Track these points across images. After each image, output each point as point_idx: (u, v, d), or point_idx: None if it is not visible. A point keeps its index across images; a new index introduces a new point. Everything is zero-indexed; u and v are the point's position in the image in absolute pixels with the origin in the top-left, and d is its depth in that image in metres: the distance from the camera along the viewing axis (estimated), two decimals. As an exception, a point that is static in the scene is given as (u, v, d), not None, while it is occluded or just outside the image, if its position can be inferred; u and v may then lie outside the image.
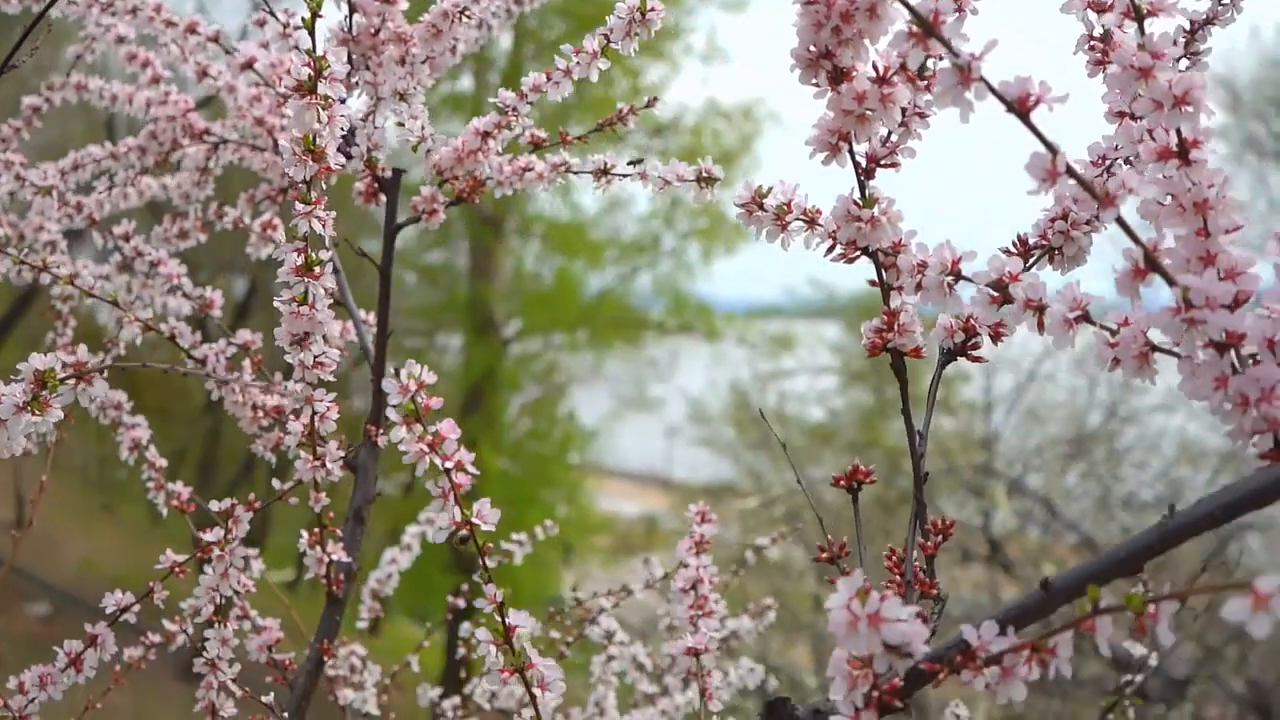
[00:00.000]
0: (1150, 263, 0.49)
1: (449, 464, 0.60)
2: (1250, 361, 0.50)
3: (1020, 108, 0.49)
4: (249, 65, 1.01)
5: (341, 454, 0.87)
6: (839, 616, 0.48)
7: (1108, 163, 0.66)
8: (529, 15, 1.24)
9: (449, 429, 0.60)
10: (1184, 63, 0.70)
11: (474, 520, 0.61)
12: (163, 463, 1.06)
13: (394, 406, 0.59)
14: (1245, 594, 0.39)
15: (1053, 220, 0.65)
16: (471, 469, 0.61)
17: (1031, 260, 0.66)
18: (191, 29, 1.05)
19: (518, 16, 1.08)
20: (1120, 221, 0.50)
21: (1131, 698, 1.04)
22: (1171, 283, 0.49)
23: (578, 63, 0.86)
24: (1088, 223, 0.64)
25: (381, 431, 0.92)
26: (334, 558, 0.93)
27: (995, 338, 0.65)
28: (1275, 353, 0.50)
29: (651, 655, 1.37)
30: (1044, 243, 0.66)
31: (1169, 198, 0.52)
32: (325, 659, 0.95)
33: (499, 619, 0.62)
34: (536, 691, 0.62)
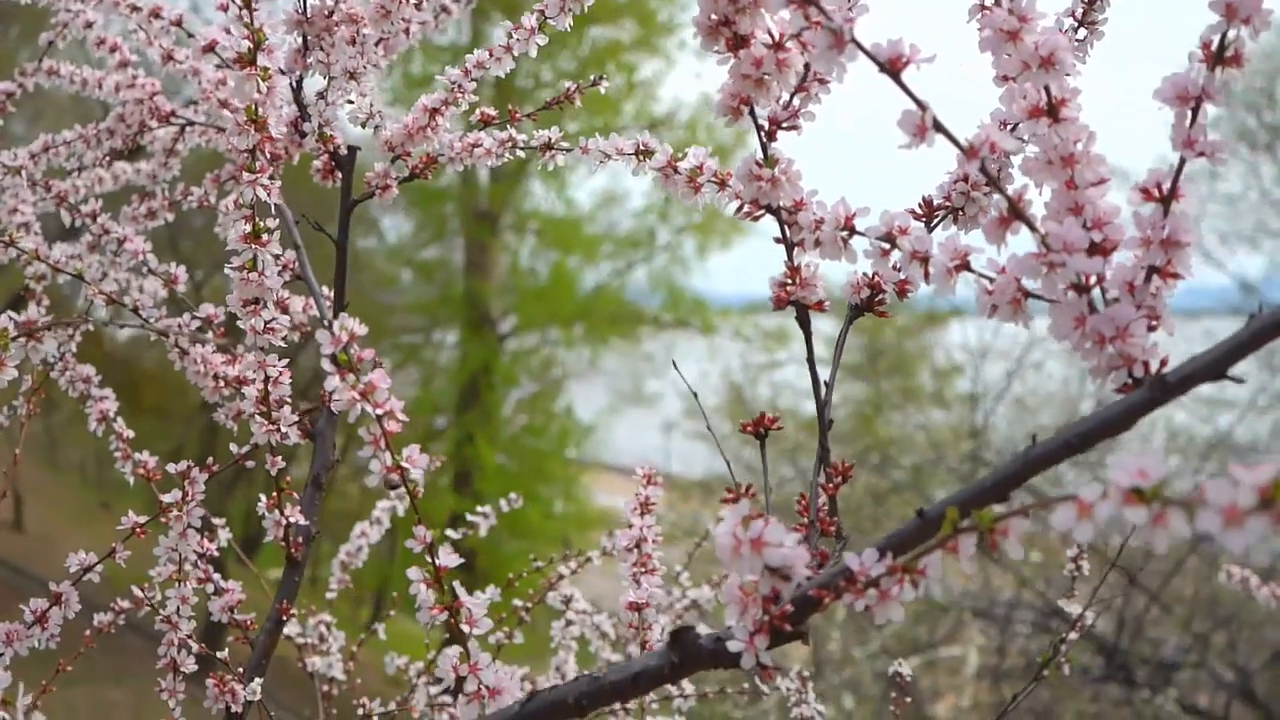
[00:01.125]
0: (1015, 211, 0.53)
1: (380, 411, 0.64)
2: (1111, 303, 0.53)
3: (892, 68, 0.52)
4: (210, 48, 1.05)
5: (295, 418, 0.91)
6: (724, 541, 0.52)
7: (1008, 127, 0.69)
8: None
9: (380, 379, 0.64)
10: (1082, 31, 0.74)
11: (404, 465, 0.65)
12: (130, 434, 1.09)
13: (326, 357, 0.63)
14: (1071, 504, 0.42)
15: (955, 182, 0.69)
16: (401, 416, 0.64)
17: (937, 220, 0.70)
18: (155, 14, 1.09)
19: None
20: (986, 174, 0.53)
21: (1067, 655, 1.08)
22: (1034, 229, 0.53)
23: (518, 39, 0.90)
24: (988, 184, 0.68)
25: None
26: (292, 521, 0.97)
27: (901, 294, 0.68)
28: (1134, 295, 0.54)
29: (615, 625, 1.41)
30: (947, 204, 0.69)
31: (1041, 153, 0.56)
32: (284, 618, 0.99)
33: (429, 559, 0.65)
34: (465, 627, 0.65)
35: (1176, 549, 6.57)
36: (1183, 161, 0.53)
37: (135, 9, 1.09)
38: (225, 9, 1.06)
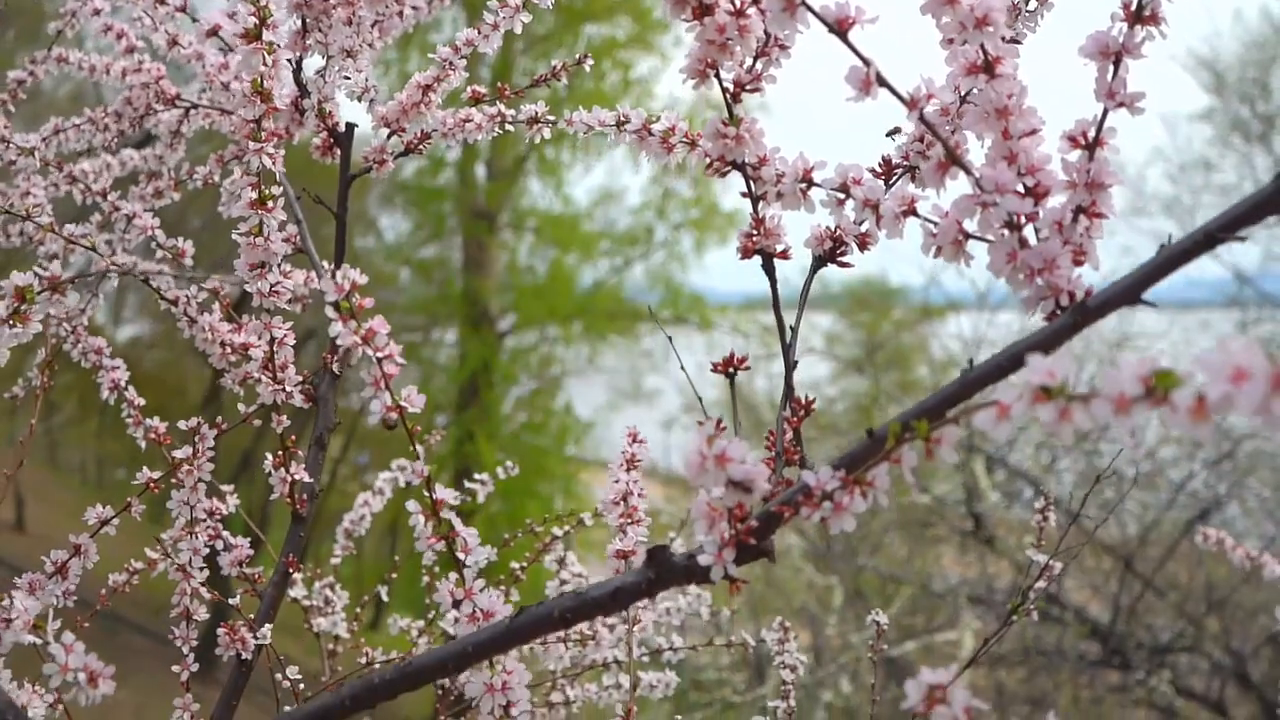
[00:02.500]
0: (951, 157, 0.58)
1: (380, 354, 0.69)
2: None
3: (840, 28, 0.58)
4: (214, 33, 1.10)
5: (299, 379, 0.96)
6: (692, 458, 0.57)
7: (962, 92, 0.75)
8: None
9: (380, 324, 0.69)
10: (1032, 3, 0.79)
11: (402, 404, 0.70)
12: (141, 401, 1.15)
13: (330, 304, 0.68)
14: (991, 408, 0.48)
15: (913, 141, 0.74)
16: (400, 360, 0.70)
17: (895, 177, 0.75)
18: (160, 0, 1.14)
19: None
20: (925, 123, 0.59)
21: (1035, 602, 1.13)
22: (969, 173, 0.58)
23: (503, 16, 0.95)
24: (929, 132, 0.73)
25: (337, 359, 1.01)
26: (297, 478, 1.02)
27: (862, 246, 0.74)
28: (1062, 233, 0.59)
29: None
30: (905, 162, 0.75)
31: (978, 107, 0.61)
32: (290, 571, 1.04)
33: (427, 493, 0.71)
34: (460, 555, 0.71)
35: (1169, 535, 6.63)
36: (1105, 111, 0.59)
37: (142, -5, 1.15)
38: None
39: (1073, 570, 7.18)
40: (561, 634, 1.20)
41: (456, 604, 0.71)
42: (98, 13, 1.23)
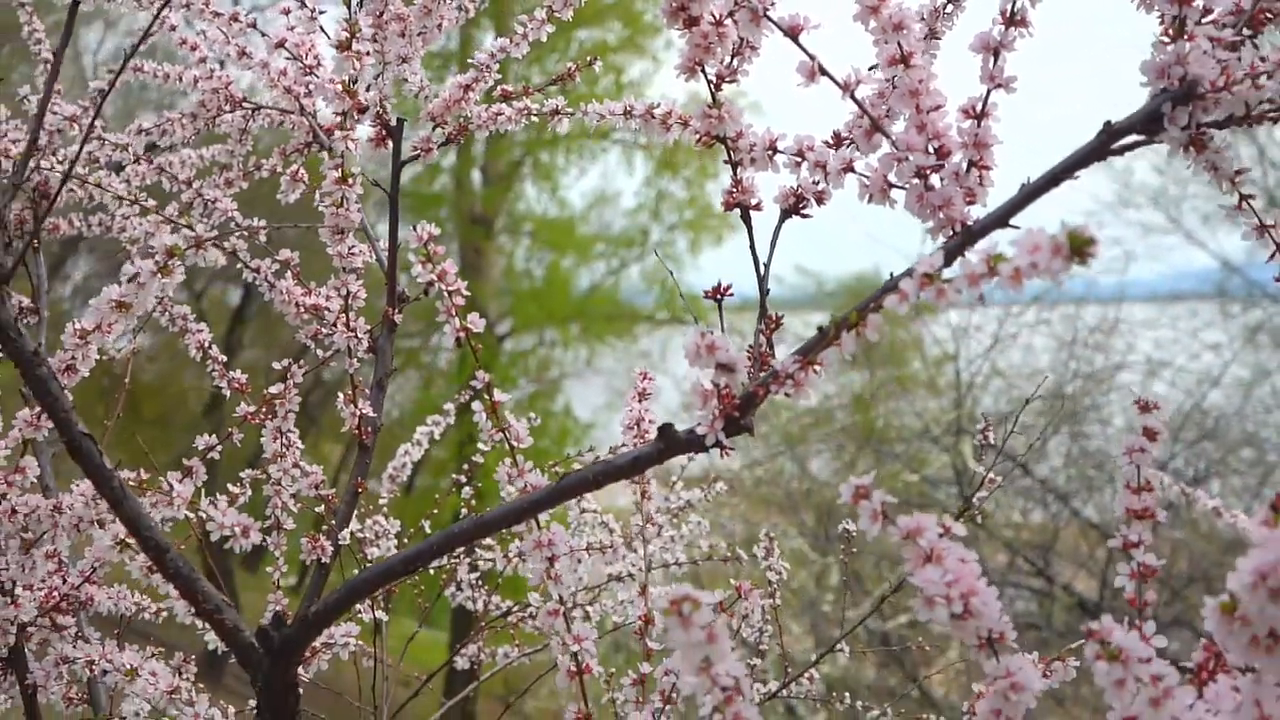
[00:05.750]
0: (875, 126, 0.80)
1: (450, 289, 0.90)
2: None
3: (792, 33, 0.79)
4: (281, 44, 1.31)
5: (367, 327, 1.18)
6: (689, 348, 0.79)
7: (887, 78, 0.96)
8: (513, 2, 1.54)
9: (450, 267, 0.91)
10: (950, 7, 1.01)
11: (469, 326, 0.92)
12: (223, 358, 1.36)
13: (413, 250, 0.89)
14: (894, 293, 0.69)
15: (853, 117, 0.96)
16: (465, 292, 0.91)
17: (842, 145, 0.96)
18: (234, 18, 1.35)
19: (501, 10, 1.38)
20: (855, 101, 0.80)
21: (979, 507, 1.34)
22: (887, 136, 0.80)
23: (531, 28, 1.17)
24: (886, 115, 0.94)
25: (398, 311, 1.22)
26: (363, 412, 1.24)
27: (819, 200, 0.95)
28: (958, 181, 0.81)
29: (623, 526, 1.68)
30: (850, 135, 0.96)
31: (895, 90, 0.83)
32: (359, 490, 1.26)
33: (488, 396, 0.92)
34: (514, 443, 0.92)
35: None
36: (988, 91, 0.80)
37: (217, 14, 1.36)
38: (287, 12, 1.34)
39: (1062, 550, 7.43)
40: (586, 545, 1.40)
41: (511, 480, 0.92)
42: (174, 29, 1.44)
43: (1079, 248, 0.58)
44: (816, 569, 6.88)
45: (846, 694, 1.88)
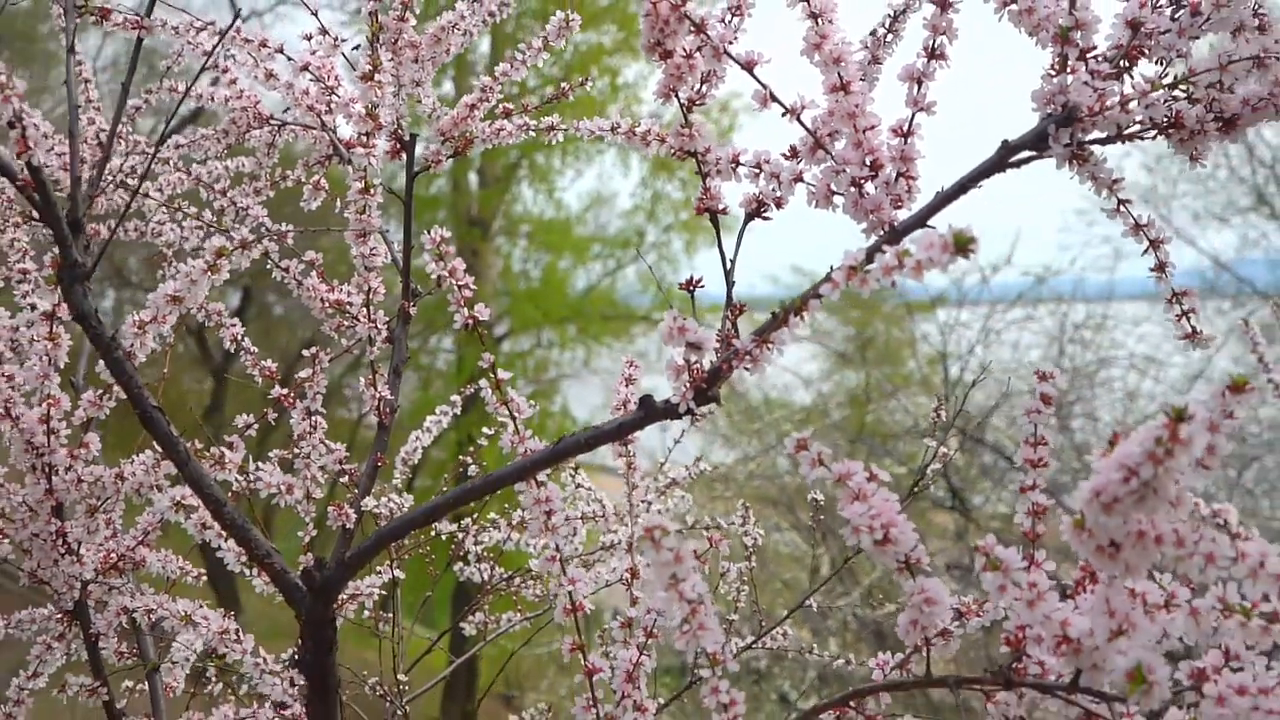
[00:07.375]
0: (817, 143, 0.96)
1: (460, 282, 1.06)
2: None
3: (748, 66, 0.95)
4: (305, 68, 1.47)
5: (386, 318, 1.33)
6: (664, 328, 0.94)
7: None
8: (506, 22, 1.71)
9: (460, 264, 1.06)
10: (890, 36, 1.17)
11: (476, 315, 1.07)
12: (255, 350, 1.51)
13: (427, 250, 1.05)
14: (829, 282, 0.85)
15: (803, 136, 1.11)
16: (471, 287, 1.07)
17: (797, 158, 1.12)
18: (263, 44, 1.51)
19: (494, 23, 1.54)
20: (800, 123, 0.96)
21: (933, 480, 1.49)
22: (828, 151, 0.96)
23: (531, 54, 1.32)
24: (830, 135, 1.10)
25: (413, 305, 1.38)
26: (383, 395, 1.39)
27: (778, 205, 1.11)
28: (888, 189, 0.96)
29: (618, 508, 1.83)
30: (803, 148, 1.12)
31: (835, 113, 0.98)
32: (379, 465, 1.41)
33: (493, 375, 1.08)
34: (515, 413, 1.08)
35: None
36: (913, 115, 0.96)
37: (248, 41, 1.52)
38: (309, 39, 1.49)
39: (1048, 541, 7.55)
40: (581, 514, 1.56)
41: (514, 446, 1.08)
42: (207, 54, 1.60)
43: (962, 245, 0.73)
44: (809, 564, 7.04)
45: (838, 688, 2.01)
